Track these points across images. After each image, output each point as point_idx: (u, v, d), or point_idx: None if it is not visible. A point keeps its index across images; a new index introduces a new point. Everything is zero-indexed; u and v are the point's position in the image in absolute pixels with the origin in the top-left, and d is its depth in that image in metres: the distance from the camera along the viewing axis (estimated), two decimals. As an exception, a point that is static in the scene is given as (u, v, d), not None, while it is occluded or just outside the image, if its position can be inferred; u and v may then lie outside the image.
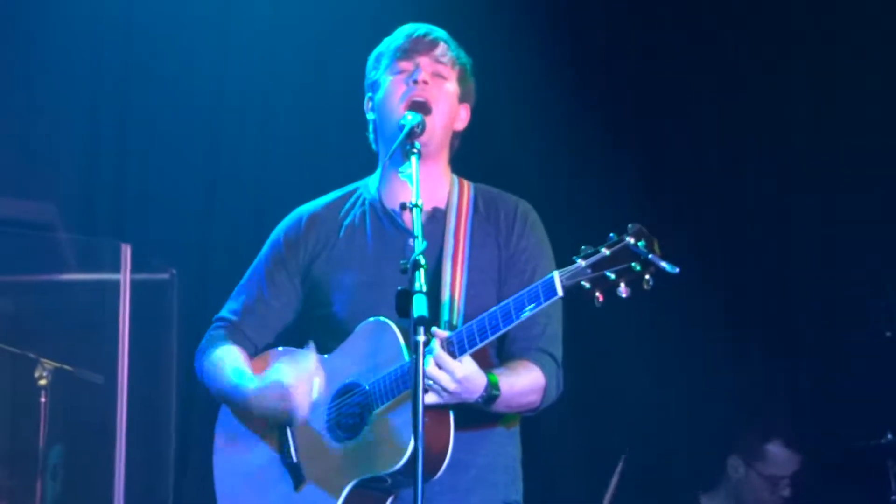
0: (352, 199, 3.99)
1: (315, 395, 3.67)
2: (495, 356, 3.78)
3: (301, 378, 3.68)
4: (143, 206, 6.23)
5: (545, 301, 3.41)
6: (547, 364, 3.75)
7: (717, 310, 6.23)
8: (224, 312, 4.01)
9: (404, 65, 3.88)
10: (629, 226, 3.34)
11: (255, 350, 3.96)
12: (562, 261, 3.48)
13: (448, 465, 3.55)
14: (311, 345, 3.74)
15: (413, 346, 3.30)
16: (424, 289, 3.34)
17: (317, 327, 3.90)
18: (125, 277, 6.11)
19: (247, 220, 6.13)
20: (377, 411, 3.62)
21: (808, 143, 6.41)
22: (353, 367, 3.70)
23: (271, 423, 3.81)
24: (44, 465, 5.75)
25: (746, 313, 6.37)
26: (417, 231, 3.49)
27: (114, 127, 6.26)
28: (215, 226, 6.25)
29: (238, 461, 3.87)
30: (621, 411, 6.27)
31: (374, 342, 3.67)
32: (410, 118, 3.73)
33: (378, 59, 3.95)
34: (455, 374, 3.47)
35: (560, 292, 3.38)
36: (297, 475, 3.76)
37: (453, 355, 3.48)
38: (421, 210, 3.54)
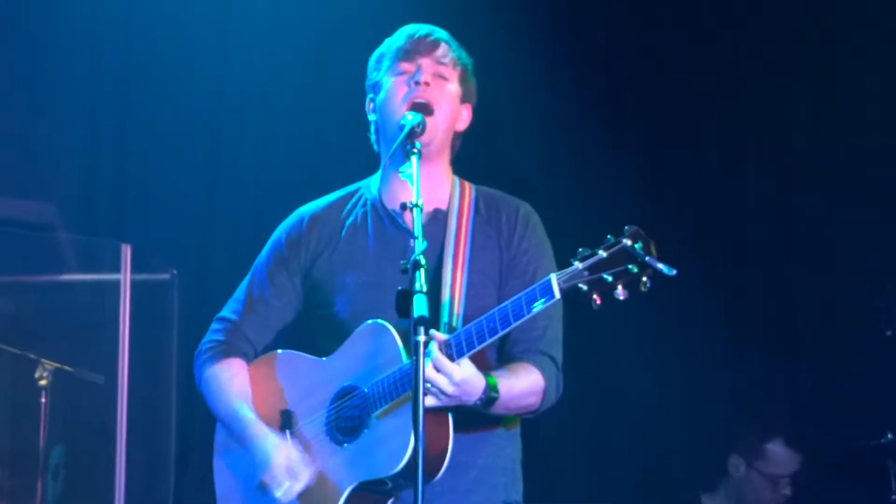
0: (353, 200, 3.99)
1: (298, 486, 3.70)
2: (495, 358, 3.78)
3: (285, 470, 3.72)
4: (143, 206, 6.23)
5: (542, 304, 3.40)
6: (547, 366, 3.75)
7: (717, 310, 6.24)
8: (225, 312, 4.02)
9: (406, 66, 3.88)
10: (626, 228, 3.33)
11: (255, 352, 3.97)
12: (562, 261, 3.48)
13: (448, 467, 3.55)
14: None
15: (413, 347, 3.30)
16: (425, 289, 3.34)
17: (317, 327, 3.91)
18: (125, 277, 6.10)
19: (247, 220, 6.13)
20: (376, 414, 3.62)
21: (808, 143, 6.40)
22: (352, 369, 3.70)
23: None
24: (44, 465, 5.76)
25: (746, 313, 6.37)
26: (418, 231, 3.49)
27: (114, 127, 6.26)
28: (215, 226, 6.25)
29: (238, 462, 3.87)
30: (621, 411, 6.27)
31: (373, 345, 3.67)
32: (411, 118, 3.73)
33: (379, 60, 3.95)
34: (453, 377, 3.47)
35: (557, 295, 3.37)
36: (296, 478, 3.77)
37: (451, 358, 3.48)
38: (421, 210, 3.54)
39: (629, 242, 3.30)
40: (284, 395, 3.86)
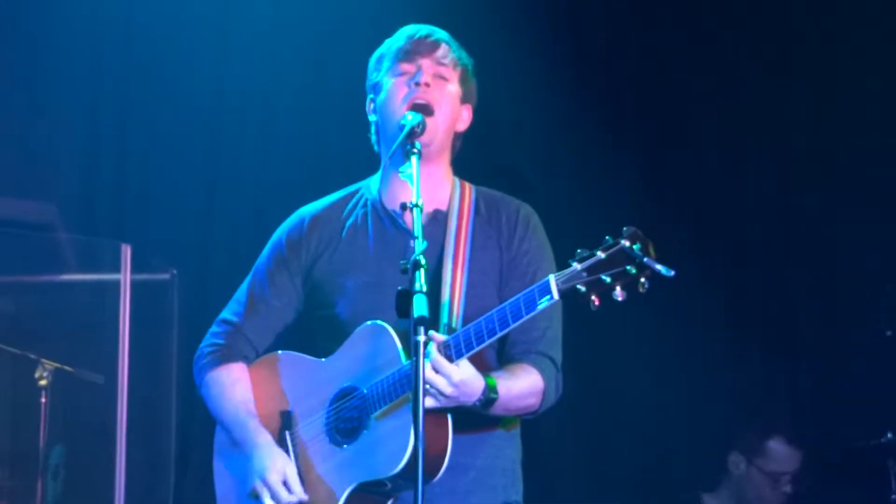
0: (354, 200, 3.99)
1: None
2: (494, 359, 3.78)
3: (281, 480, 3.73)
4: (143, 206, 6.22)
5: (541, 305, 3.40)
6: (546, 367, 3.75)
7: (716, 310, 6.23)
8: (226, 314, 4.02)
9: (406, 67, 3.88)
10: (624, 229, 3.33)
11: (257, 354, 3.98)
12: (561, 262, 3.48)
13: (447, 468, 3.55)
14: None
15: (413, 347, 3.30)
16: (424, 289, 3.34)
17: (318, 328, 3.92)
18: (125, 278, 6.10)
19: (247, 220, 6.12)
20: (375, 415, 3.62)
21: (808, 143, 6.40)
22: (351, 370, 3.71)
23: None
24: (44, 465, 5.76)
25: (746, 313, 6.37)
26: (418, 231, 3.49)
27: (114, 127, 6.26)
28: (215, 226, 6.25)
29: (238, 464, 3.87)
30: (621, 411, 6.27)
31: (372, 346, 3.67)
32: (411, 118, 3.73)
33: (379, 61, 3.96)
34: (452, 378, 3.47)
35: (556, 296, 3.37)
36: (296, 479, 3.78)
37: (450, 359, 3.48)
38: (421, 210, 3.54)
39: (627, 243, 3.30)
40: (284, 396, 3.86)
